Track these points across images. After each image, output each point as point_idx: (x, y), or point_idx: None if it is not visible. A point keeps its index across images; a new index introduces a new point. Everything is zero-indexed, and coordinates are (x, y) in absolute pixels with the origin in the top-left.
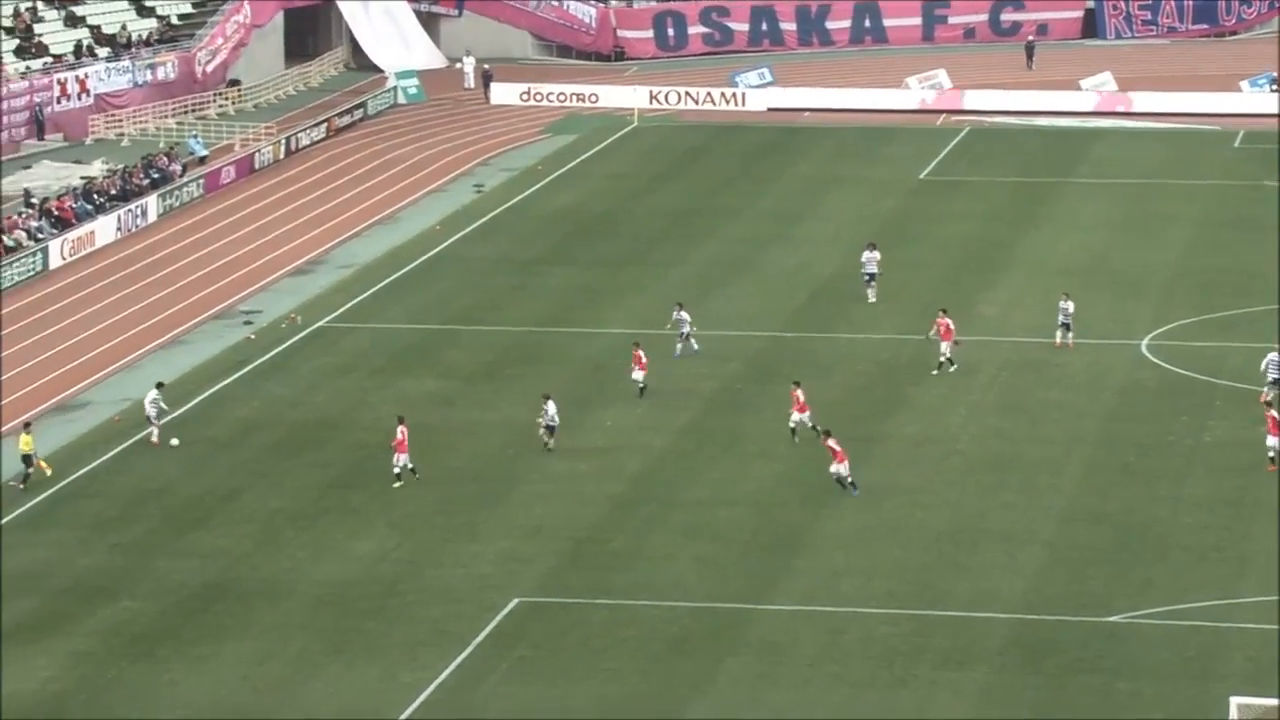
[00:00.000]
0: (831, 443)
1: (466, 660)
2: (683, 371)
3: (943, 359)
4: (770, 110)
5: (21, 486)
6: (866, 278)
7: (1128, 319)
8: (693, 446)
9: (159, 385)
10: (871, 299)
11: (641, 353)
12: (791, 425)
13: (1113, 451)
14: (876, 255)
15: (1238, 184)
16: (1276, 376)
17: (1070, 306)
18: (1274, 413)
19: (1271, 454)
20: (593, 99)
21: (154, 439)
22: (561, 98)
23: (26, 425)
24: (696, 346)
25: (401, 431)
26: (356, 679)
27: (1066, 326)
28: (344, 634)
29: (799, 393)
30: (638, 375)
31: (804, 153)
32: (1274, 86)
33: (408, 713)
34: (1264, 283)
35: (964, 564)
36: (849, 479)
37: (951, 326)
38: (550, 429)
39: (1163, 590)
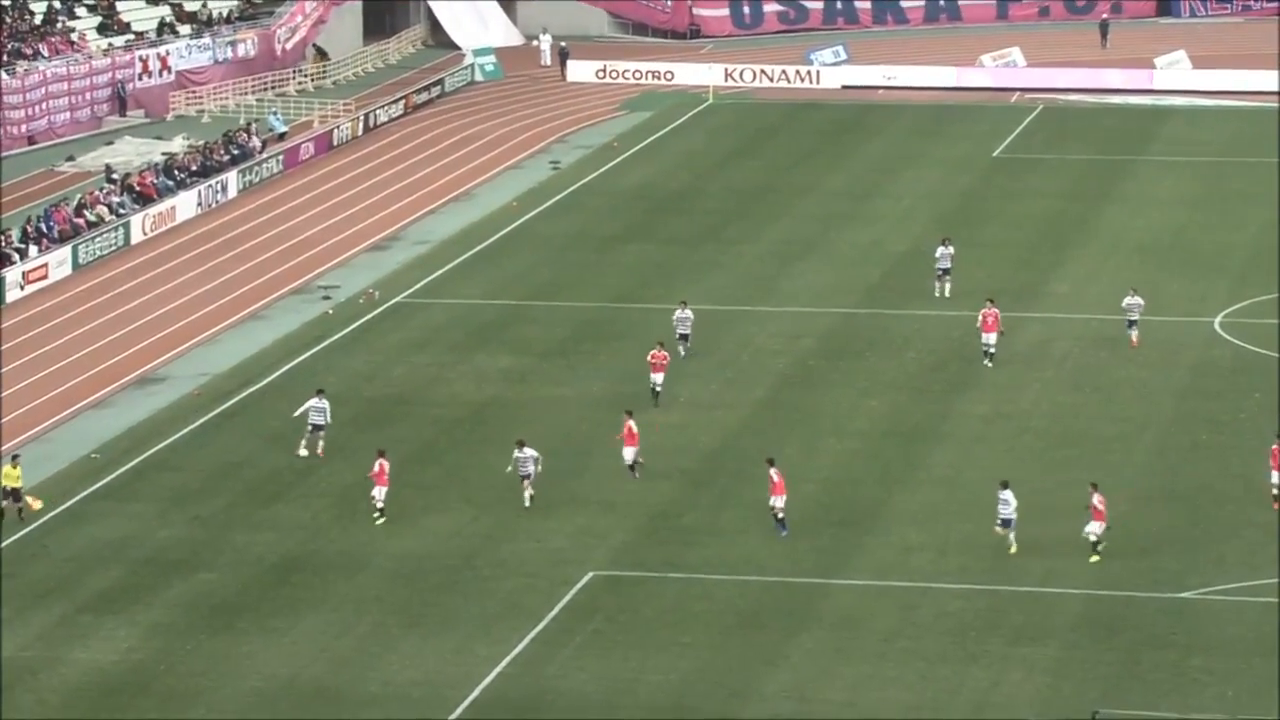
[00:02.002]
0: (772, 473)
1: (541, 634)
2: (756, 347)
3: (988, 350)
4: (845, 88)
5: (20, 517)
6: (940, 272)
7: (1202, 296)
8: (766, 423)
9: (320, 391)
10: (944, 294)
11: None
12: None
13: (1185, 429)
14: (950, 250)
15: None
16: None
17: (1140, 302)
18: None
19: (1276, 490)
20: (668, 76)
21: (305, 451)
22: (637, 75)
23: (14, 458)
24: (683, 352)
25: (380, 464)
26: (432, 652)
27: (1133, 323)
28: (419, 607)
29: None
30: (656, 378)
31: (878, 130)
32: None
33: (483, 685)
34: None
35: (1036, 540)
36: (781, 515)
37: (999, 317)
38: (526, 478)
39: (1235, 567)
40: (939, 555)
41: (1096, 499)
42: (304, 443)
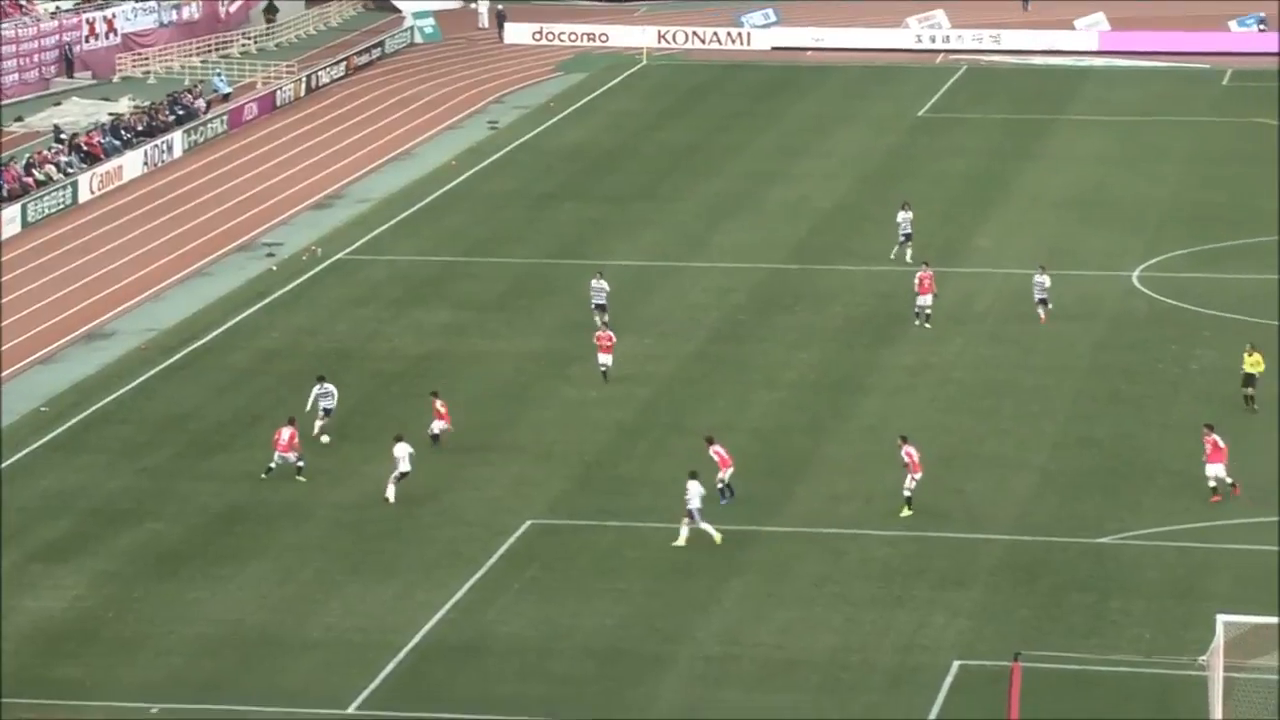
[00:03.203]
0: (715, 450)
1: (480, 580)
2: (689, 302)
3: (921, 311)
4: (774, 49)
5: None
6: (902, 238)
7: (1120, 251)
8: (698, 375)
9: (321, 378)
10: (907, 258)
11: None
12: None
13: (1103, 379)
14: (910, 215)
15: (1227, 120)
16: None
17: (1046, 281)
18: (1215, 437)
19: (1213, 483)
20: (603, 38)
21: (326, 438)
22: (573, 37)
23: None
24: (602, 321)
25: (290, 433)
26: (373, 598)
27: (1044, 302)
28: (361, 555)
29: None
30: (604, 359)
31: (806, 91)
32: (1262, 26)
33: (424, 631)
34: (1253, 215)
35: (960, 488)
36: (728, 486)
37: (934, 278)
38: (403, 475)
39: (1151, 513)
40: (866, 503)
41: (906, 451)
42: (319, 426)
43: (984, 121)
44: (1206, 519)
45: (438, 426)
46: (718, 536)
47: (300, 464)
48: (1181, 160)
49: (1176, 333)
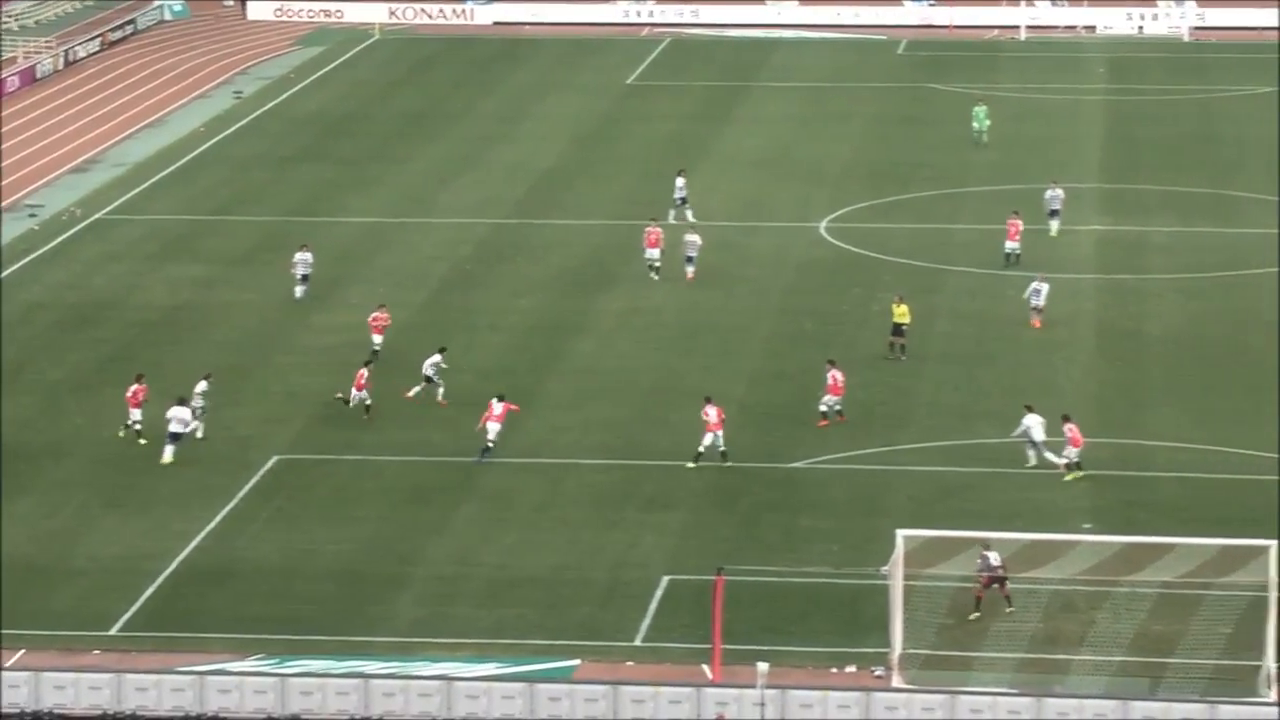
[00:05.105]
0: (711, 410)
1: (231, 512)
2: (420, 255)
3: (651, 263)
4: (496, 24)
5: None
6: (679, 200)
7: (808, 204)
8: (429, 320)
9: (207, 377)
10: (689, 218)
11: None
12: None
13: (793, 320)
14: (684, 180)
15: (901, 85)
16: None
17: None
18: (836, 372)
19: (824, 409)
20: (338, 15)
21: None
22: (310, 14)
23: None
24: (300, 292)
25: (136, 389)
26: (132, 530)
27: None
28: (120, 490)
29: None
30: (377, 339)
31: (525, 61)
32: (932, 1)
33: (180, 558)
34: (924, 171)
35: (667, 419)
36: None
37: (661, 235)
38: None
39: (837, 440)
40: (582, 434)
41: (709, 410)
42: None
43: (686, 88)
44: (885, 444)
45: (355, 396)
46: None
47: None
48: (861, 122)
49: (859, 277)
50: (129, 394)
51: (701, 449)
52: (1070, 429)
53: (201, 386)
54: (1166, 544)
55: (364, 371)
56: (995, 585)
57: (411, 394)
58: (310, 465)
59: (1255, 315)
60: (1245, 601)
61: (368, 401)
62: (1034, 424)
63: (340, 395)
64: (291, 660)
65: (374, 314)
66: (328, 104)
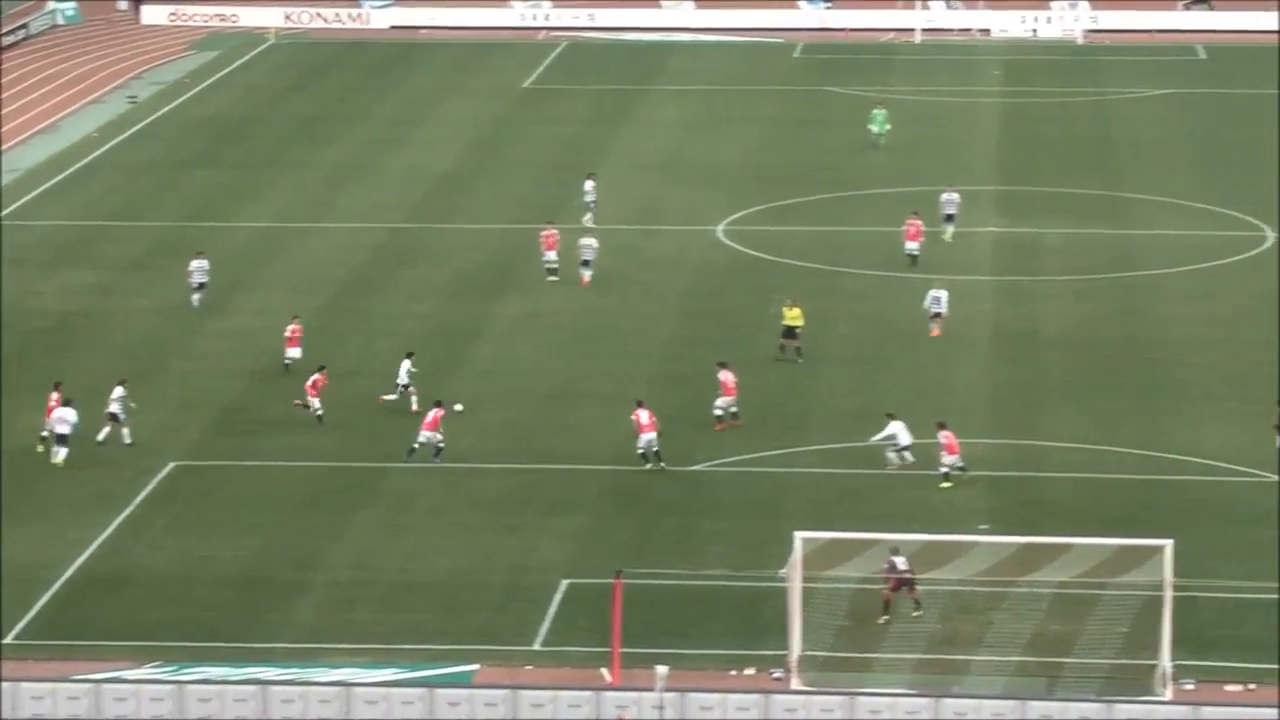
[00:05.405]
0: (642, 412)
1: (128, 519)
2: (316, 260)
3: (552, 267)
4: (393, 28)
5: None
6: (589, 204)
7: (705, 208)
8: (326, 324)
9: (123, 382)
10: (588, 221)
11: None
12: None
13: (691, 323)
14: (594, 184)
15: (798, 89)
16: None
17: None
18: (726, 374)
19: (719, 413)
20: (233, 19)
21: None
22: (205, 18)
23: None
24: (197, 300)
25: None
26: (28, 537)
27: (586, 262)
28: (15, 497)
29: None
30: (293, 353)
31: (421, 65)
32: (828, 4)
33: (76, 565)
34: (819, 174)
35: (566, 423)
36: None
37: (557, 237)
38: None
39: (736, 443)
40: (481, 438)
41: (640, 413)
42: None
43: (583, 92)
44: (783, 447)
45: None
46: None
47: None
48: (758, 125)
49: (756, 280)
50: (50, 403)
51: (641, 451)
52: (945, 436)
53: (119, 392)
54: (1063, 544)
55: (318, 378)
56: (904, 589)
57: (385, 399)
58: (208, 471)
59: (1148, 315)
60: (1141, 601)
61: (319, 411)
62: (898, 429)
63: (300, 402)
64: (190, 667)
65: (290, 327)
66: (223, 109)
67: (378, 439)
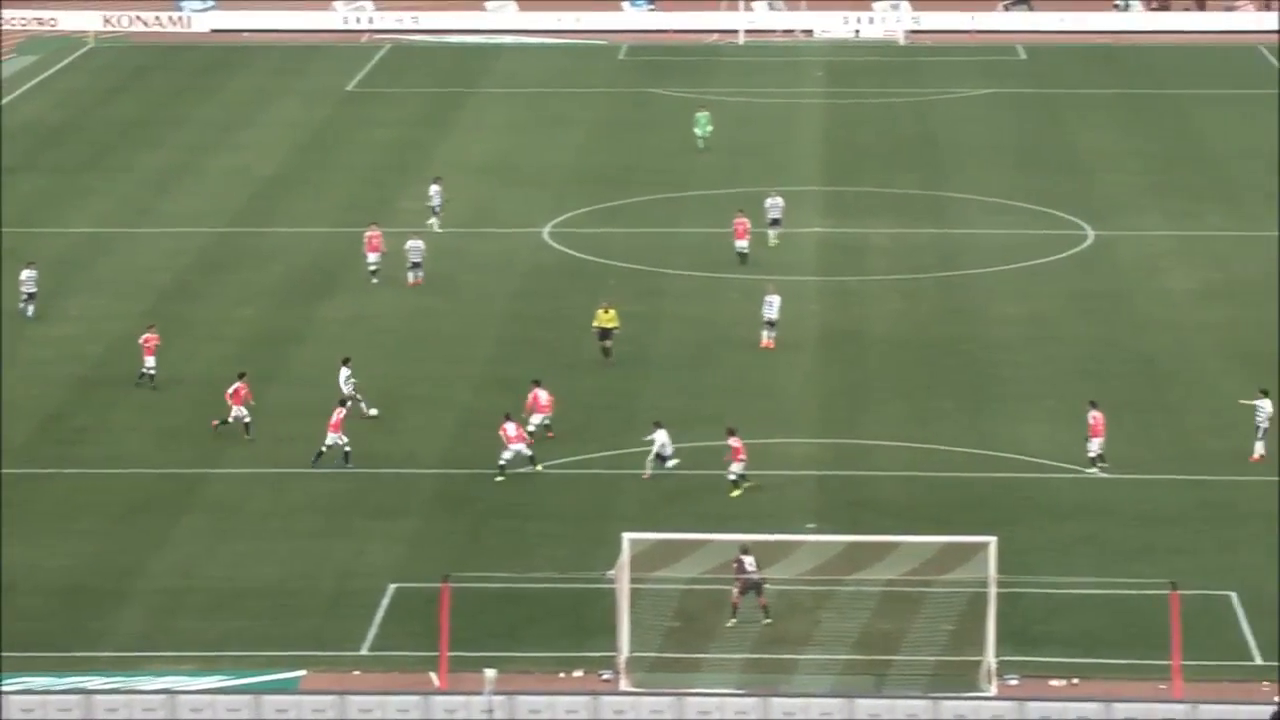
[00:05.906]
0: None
1: None
2: (139, 265)
3: (373, 269)
4: (214, 31)
5: None
6: (435, 208)
7: (531, 210)
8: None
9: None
10: (437, 228)
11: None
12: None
13: (520, 326)
14: (440, 188)
15: (623, 91)
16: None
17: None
18: (540, 391)
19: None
20: (51, 23)
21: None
22: (23, 21)
23: None
24: (29, 314)
25: None
26: None
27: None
28: None
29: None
30: (149, 361)
31: (244, 69)
32: (651, 6)
33: None
34: (646, 175)
35: (394, 427)
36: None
37: (381, 237)
38: None
39: (568, 443)
40: (308, 443)
41: (507, 426)
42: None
43: (407, 95)
44: (612, 448)
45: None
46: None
47: None
48: (584, 127)
49: (583, 282)
50: None
51: (504, 461)
52: (734, 441)
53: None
54: (889, 543)
55: (240, 386)
56: (752, 592)
57: (360, 408)
58: (30, 479)
59: (972, 314)
60: (966, 598)
61: (247, 419)
62: (662, 438)
63: (218, 421)
64: (11, 678)
65: (144, 335)
66: (42, 113)
67: (201, 445)
